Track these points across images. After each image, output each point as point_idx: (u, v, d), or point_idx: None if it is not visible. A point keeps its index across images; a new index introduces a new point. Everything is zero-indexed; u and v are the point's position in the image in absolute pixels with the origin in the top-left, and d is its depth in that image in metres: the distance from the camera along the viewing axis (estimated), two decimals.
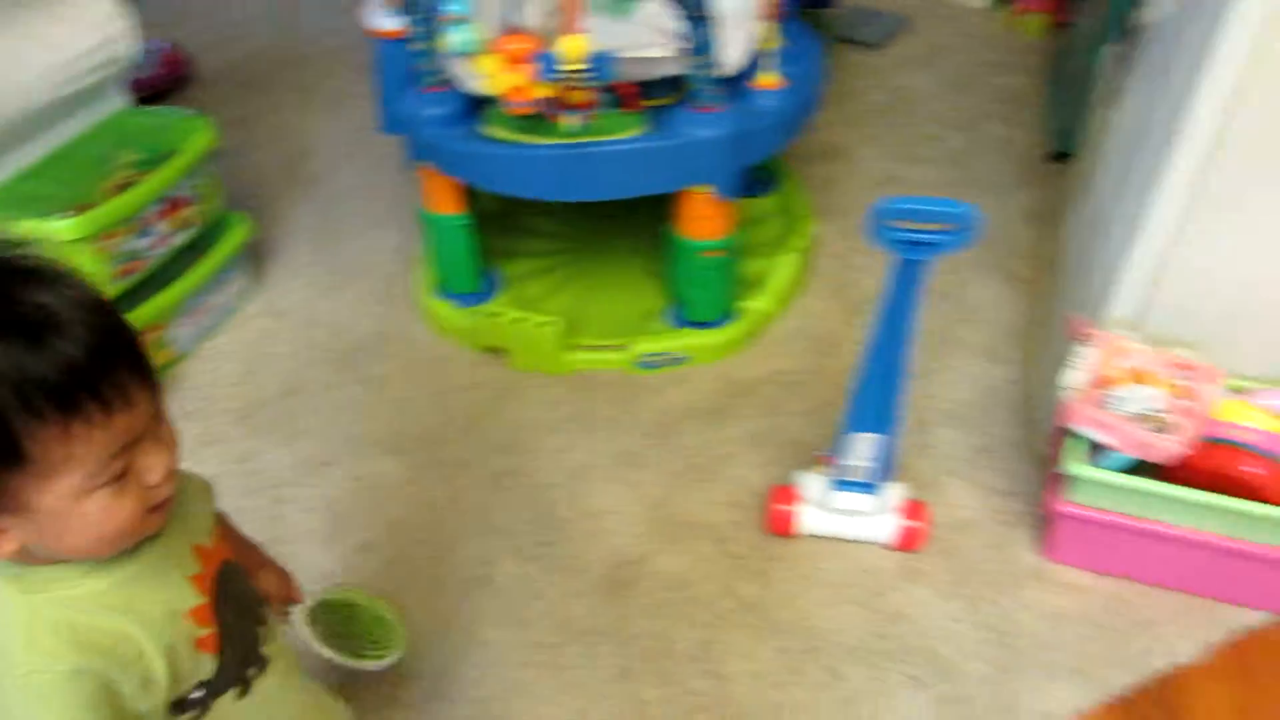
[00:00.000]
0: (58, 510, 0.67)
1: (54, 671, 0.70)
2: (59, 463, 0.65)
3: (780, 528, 1.45)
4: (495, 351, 1.77)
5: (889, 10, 2.82)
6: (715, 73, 1.44)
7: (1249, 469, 1.23)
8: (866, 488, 1.36)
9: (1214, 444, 1.24)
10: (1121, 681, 1.31)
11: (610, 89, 1.44)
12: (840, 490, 1.36)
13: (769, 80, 1.56)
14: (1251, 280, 1.27)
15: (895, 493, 1.41)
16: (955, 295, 1.89)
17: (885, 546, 1.45)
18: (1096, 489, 1.29)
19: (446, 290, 1.80)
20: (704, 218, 1.59)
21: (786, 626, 1.37)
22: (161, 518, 0.74)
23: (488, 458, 1.61)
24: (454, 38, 1.34)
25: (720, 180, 1.50)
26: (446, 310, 1.79)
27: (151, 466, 0.70)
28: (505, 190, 1.55)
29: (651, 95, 1.51)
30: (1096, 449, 1.28)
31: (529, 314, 1.71)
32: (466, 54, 1.37)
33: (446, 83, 1.51)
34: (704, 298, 1.70)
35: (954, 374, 1.73)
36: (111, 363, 0.66)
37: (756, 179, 2.01)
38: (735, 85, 1.55)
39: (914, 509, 1.41)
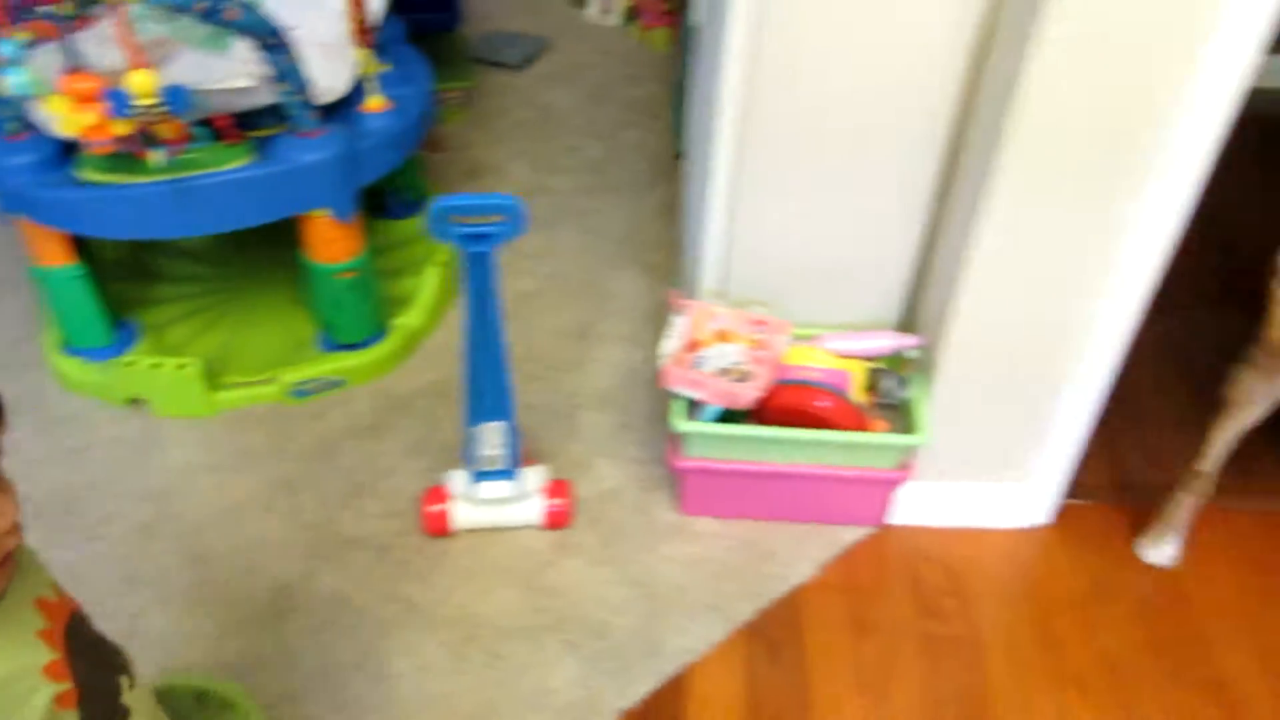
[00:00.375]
0: None
1: None
2: None
3: (436, 528, 1.50)
4: (137, 402, 1.71)
5: (529, 32, 2.96)
6: (311, 99, 1.48)
7: (820, 404, 1.42)
8: (505, 475, 1.44)
9: (790, 385, 1.42)
10: (751, 609, 1.47)
11: (207, 122, 1.45)
12: (481, 481, 1.44)
13: (375, 103, 1.62)
14: (793, 248, 1.48)
15: (538, 475, 1.50)
16: (597, 291, 2.03)
17: (538, 528, 1.54)
18: (702, 441, 1.45)
19: (75, 346, 1.72)
20: (330, 240, 1.62)
21: (448, 620, 1.43)
22: (8, 572, 0.70)
23: (134, 509, 1.56)
24: (8, 81, 1.30)
25: (334, 203, 1.54)
26: (76, 367, 1.71)
27: (1, 512, 0.67)
28: (106, 233, 1.51)
29: (258, 126, 1.53)
30: (695, 406, 1.43)
31: (166, 359, 1.67)
32: (30, 96, 1.33)
33: (29, 128, 1.46)
34: (347, 319, 1.73)
35: (598, 363, 1.87)
36: None
37: (400, 201, 2.06)
38: (343, 110, 1.60)
39: (557, 488, 1.51)
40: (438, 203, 1.12)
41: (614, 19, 3.08)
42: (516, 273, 2.06)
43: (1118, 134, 1.18)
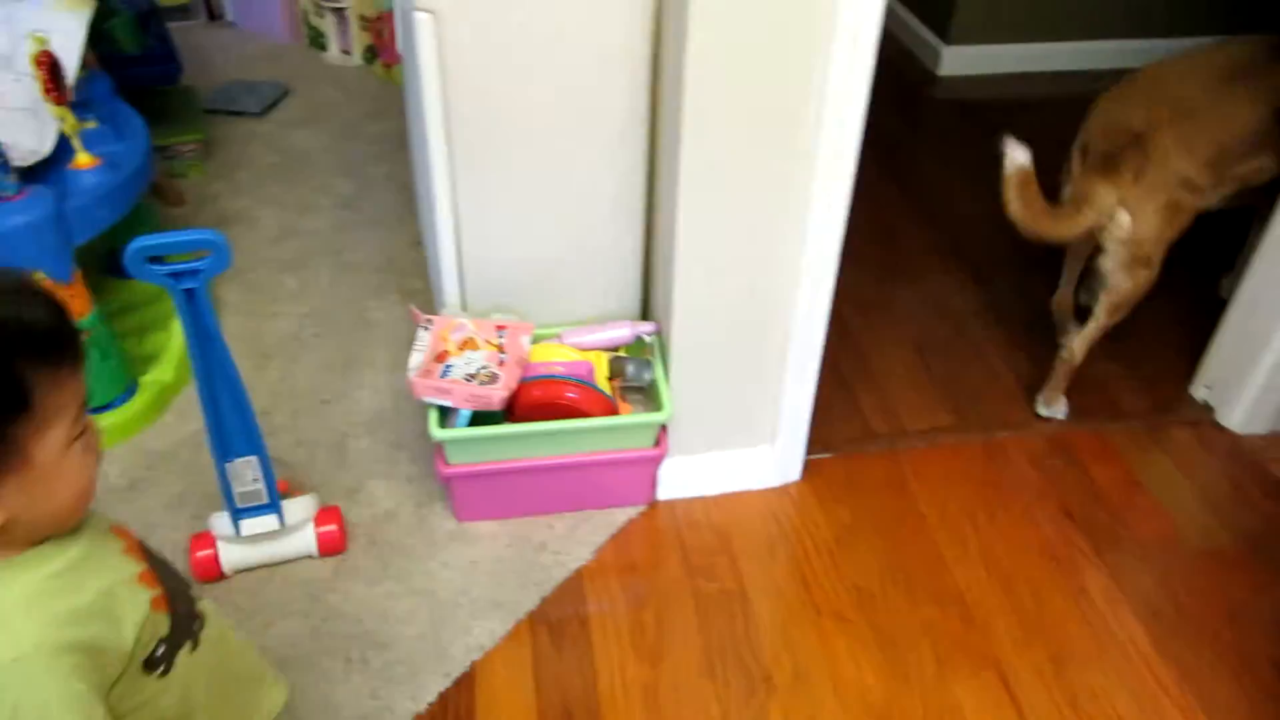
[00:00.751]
0: (48, 465, 0.75)
1: (42, 650, 0.74)
2: (51, 412, 0.74)
3: (206, 573, 1.48)
4: None
5: (268, 79, 2.94)
6: (10, 163, 1.44)
7: (570, 394, 1.51)
8: (267, 509, 1.44)
9: (538, 381, 1.51)
10: (533, 599, 1.53)
11: None
12: (243, 519, 1.44)
13: (84, 161, 1.59)
14: (521, 254, 1.58)
15: (305, 505, 1.51)
16: (359, 323, 2.05)
17: (314, 557, 1.55)
18: (463, 447, 1.50)
19: None
20: None
21: None
22: (88, 502, 0.81)
23: None
24: None
25: (49, 265, 1.50)
26: None
27: (95, 432, 0.80)
28: None
29: None
30: (450, 413, 1.49)
31: None
32: None
33: None
34: (89, 382, 1.67)
35: (365, 390, 1.89)
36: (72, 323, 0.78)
37: None
38: (51, 170, 1.56)
39: (327, 515, 1.53)
40: (133, 244, 1.12)
41: (354, 59, 3.11)
42: (275, 315, 2.06)
43: (774, 122, 1.33)
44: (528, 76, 1.42)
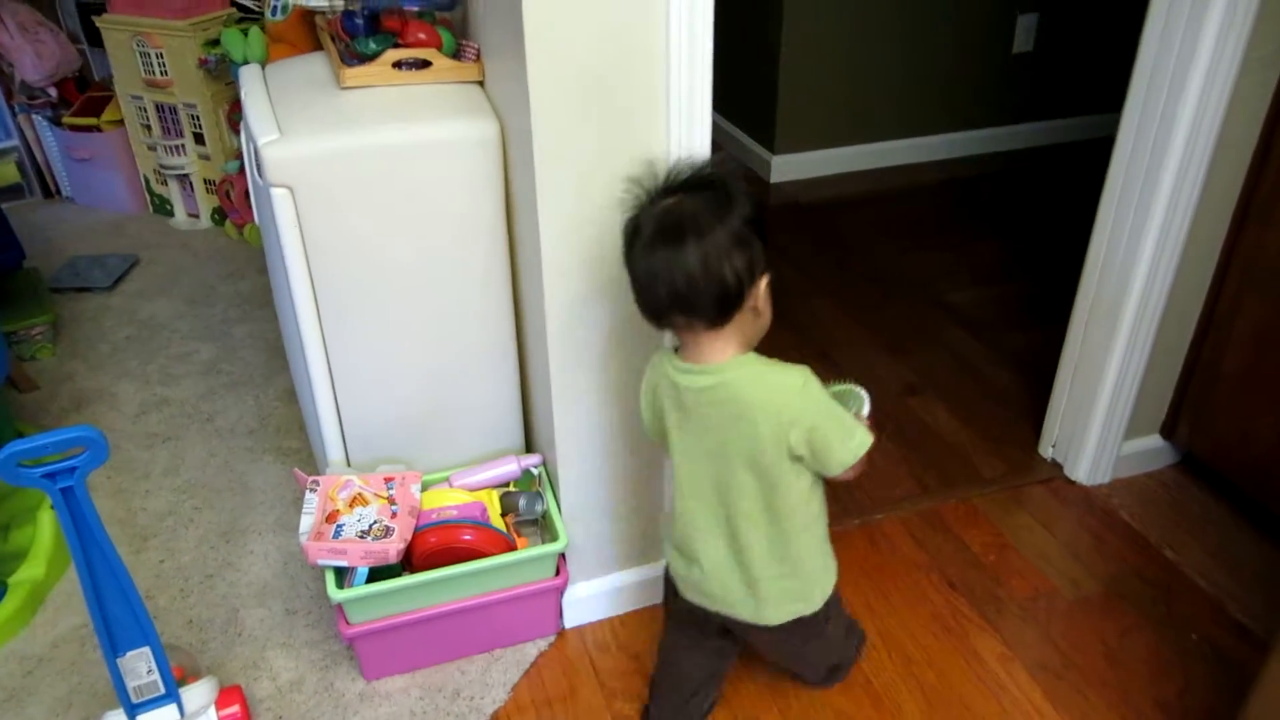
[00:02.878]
0: (761, 309, 1.18)
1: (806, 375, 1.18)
2: (761, 269, 1.15)
3: None
4: None
5: (115, 251, 2.90)
6: None
7: (465, 537, 1.52)
8: (165, 700, 1.39)
9: (434, 527, 1.52)
10: None
11: None
12: (142, 714, 1.38)
13: None
14: (399, 404, 1.61)
15: (204, 690, 1.46)
16: (237, 489, 2.01)
17: None
18: (364, 605, 1.49)
19: None
20: None
21: None
22: None
23: None
24: None
25: None
26: None
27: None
28: None
29: None
30: (345, 572, 1.48)
31: None
32: None
33: None
34: None
35: (252, 558, 1.84)
36: None
37: None
38: None
39: (228, 696, 1.48)
40: (3, 452, 1.10)
41: (203, 222, 3.10)
42: (148, 493, 2.00)
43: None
44: (388, 240, 1.48)
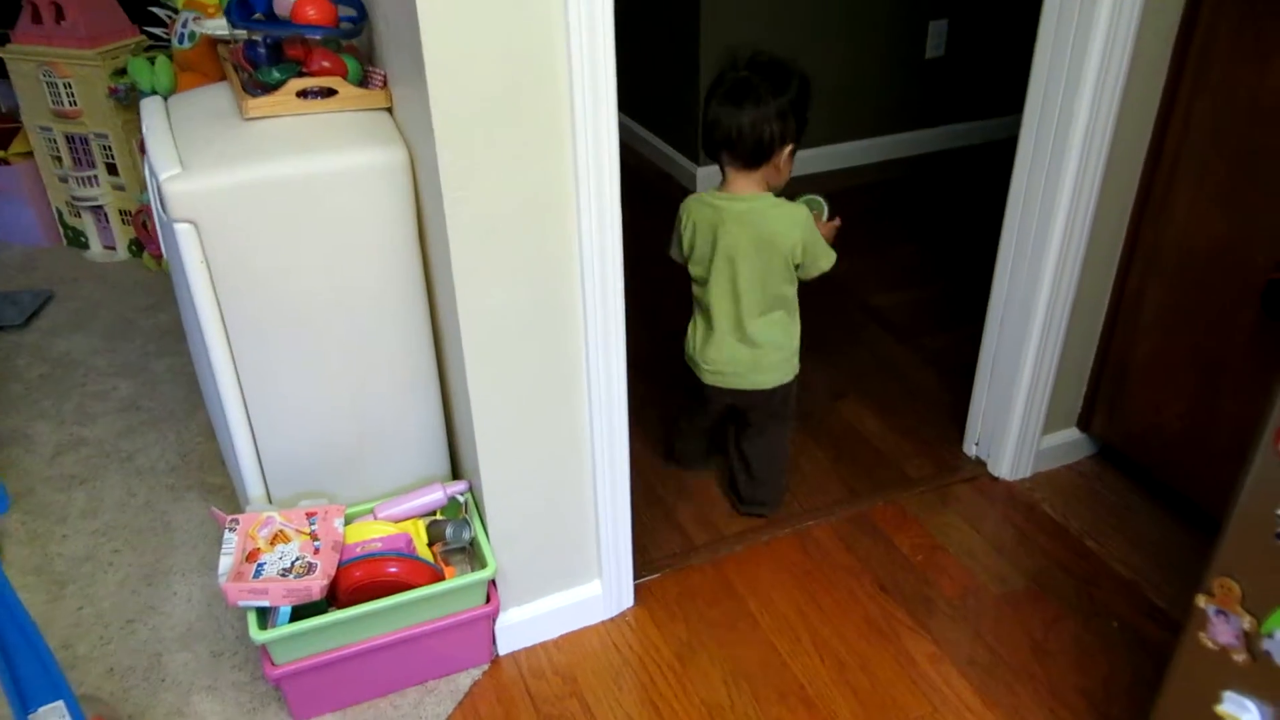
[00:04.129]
0: (781, 168, 1.70)
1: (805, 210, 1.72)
2: (790, 139, 1.69)
3: None
4: None
5: (27, 287, 2.82)
6: None
7: (391, 570, 1.51)
8: None
9: (359, 561, 1.50)
10: None
11: None
12: None
13: None
14: (319, 436, 1.59)
15: None
16: (158, 529, 1.96)
17: None
18: (289, 645, 1.46)
19: None
20: None
21: None
22: None
23: None
24: None
25: None
26: None
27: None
28: None
29: None
30: (269, 612, 1.45)
31: None
32: None
33: None
34: None
35: (175, 600, 1.80)
36: None
37: None
38: None
39: None
40: None
41: (120, 254, 3.03)
42: (64, 537, 1.95)
43: (543, 283, 1.42)
44: (299, 271, 1.46)
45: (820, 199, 1.85)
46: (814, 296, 2.53)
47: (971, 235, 3.04)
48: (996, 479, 2.10)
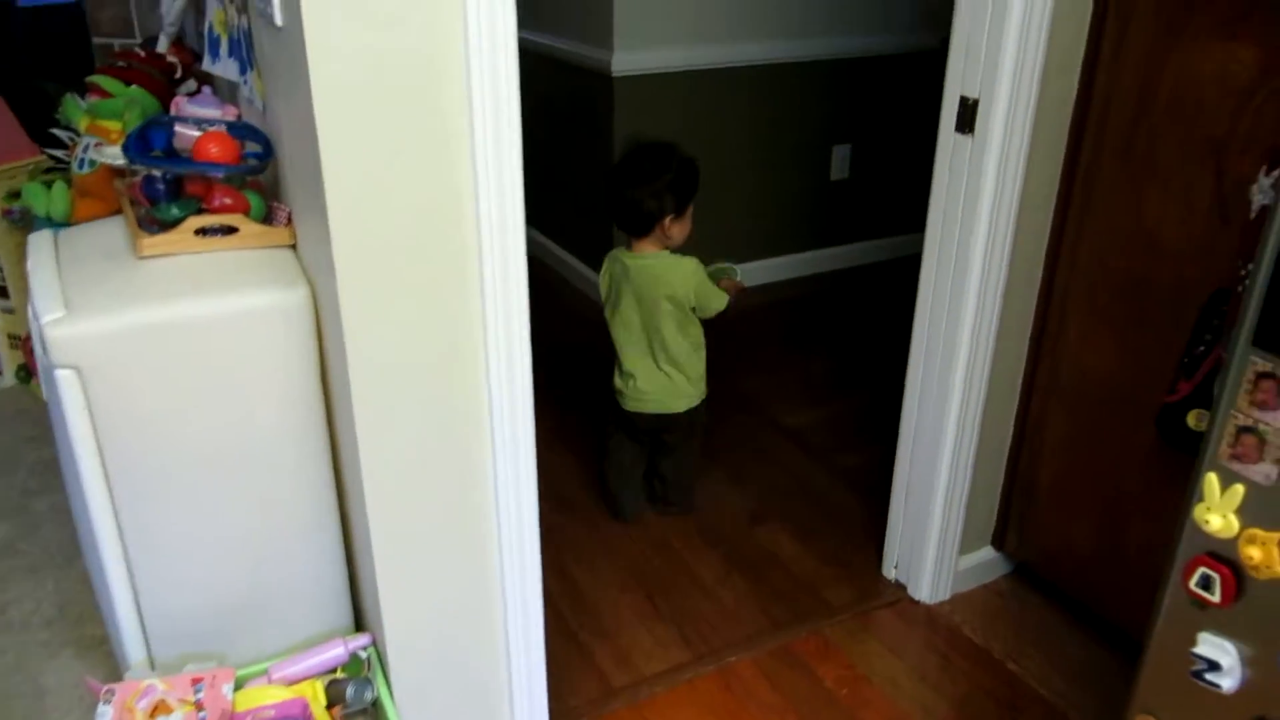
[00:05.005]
0: (670, 234, 2.06)
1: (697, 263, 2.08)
2: (668, 212, 2.02)
3: None
4: None
5: None
6: None
7: None
8: None
9: None
10: None
11: None
12: None
13: None
14: (208, 593, 1.50)
15: None
16: (28, 693, 1.81)
17: None
18: None
19: None
20: None
21: None
22: None
23: None
24: None
25: None
26: None
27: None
28: None
29: None
30: None
31: None
32: None
33: None
34: None
35: None
36: None
37: None
38: None
39: None
40: None
41: (6, 380, 2.88)
42: None
43: (449, 432, 1.38)
44: (189, 415, 1.39)
45: (732, 266, 2.23)
46: (729, 418, 2.52)
47: (882, 350, 3.11)
48: (917, 602, 2.09)
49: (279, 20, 1.22)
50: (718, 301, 2.12)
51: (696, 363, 2.18)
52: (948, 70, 1.70)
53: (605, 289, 2.19)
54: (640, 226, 2.05)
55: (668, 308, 2.08)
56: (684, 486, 2.34)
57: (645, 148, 2.08)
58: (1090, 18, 1.64)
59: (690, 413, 2.21)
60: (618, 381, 2.22)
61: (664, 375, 2.15)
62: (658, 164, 2.04)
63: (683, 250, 2.14)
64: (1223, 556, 1.05)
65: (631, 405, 2.20)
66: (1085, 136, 1.70)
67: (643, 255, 2.09)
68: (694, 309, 2.11)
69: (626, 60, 3.05)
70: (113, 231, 1.62)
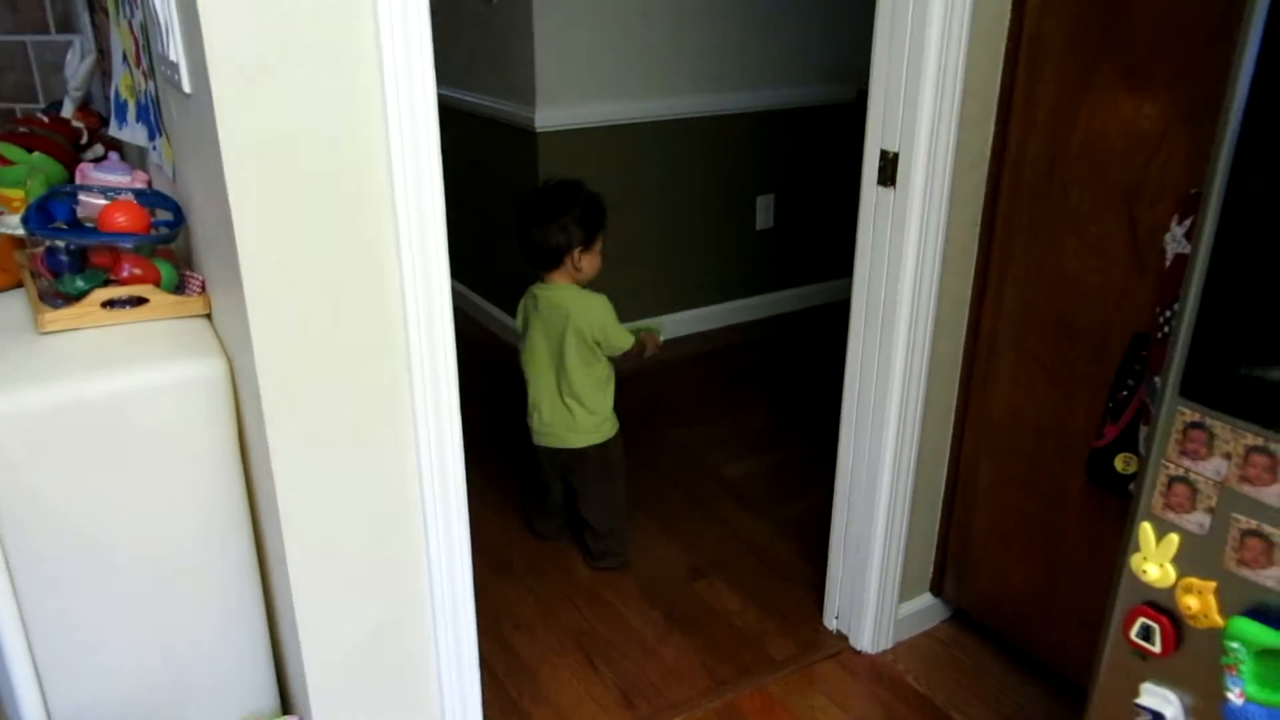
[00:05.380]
0: (579, 267, 2.12)
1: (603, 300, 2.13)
2: (574, 246, 2.10)
3: None
4: None
5: None
6: None
7: None
8: None
9: None
10: None
11: None
12: None
13: None
14: (121, 684, 1.40)
15: None
16: None
17: None
18: None
19: None
20: None
21: None
22: None
23: None
24: None
25: None
26: None
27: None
28: None
29: None
30: None
31: None
32: None
33: None
34: None
35: None
36: None
37: None
38: None
39: None
40: None
41: None
42: None
43: (379, 511, 1.33)
44: (98, 497, 1.32)
45: (655, 324, 2.32)
46: (665, 469, 2.50)
47: (816, 396, 3.13)
48: (859, 652, 2.07)
49: (187, 88, 1.18)
50: (622, 340, 2.16)
51: (600, 400, 2.19)
52: (867, 125, 1.73)
53: (520, 323, 2.25)
54: (549, 260, 2.12)
55: (573, 341, 2.12)
56: (612, 536, 2.31)
57: (552, 185, 2.15)
58: (1002, 69, 1.69)
59: (596, 452, 2.22)
60: (529, 415, 2.26)
61: (565, 409, 2.18)
62: (564, 199, 2.11)
63: (597, 287, 2.18)
64: (1161, 606, 1.05)
65: (537, 438, 2.25)
66: (1002, 185, 1.74)
67: (553, 287, 2.15)
68: (599, 344, 2.14)
69: (549, 116, 3.06)
70: (13, 305, 1.54)
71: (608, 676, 2.00)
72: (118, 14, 1.65)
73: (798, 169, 3.65)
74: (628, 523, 2.36)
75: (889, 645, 2.09)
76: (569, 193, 2.13)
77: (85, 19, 2.27)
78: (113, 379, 1.32)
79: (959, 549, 2.04)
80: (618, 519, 2.31)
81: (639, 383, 3.28)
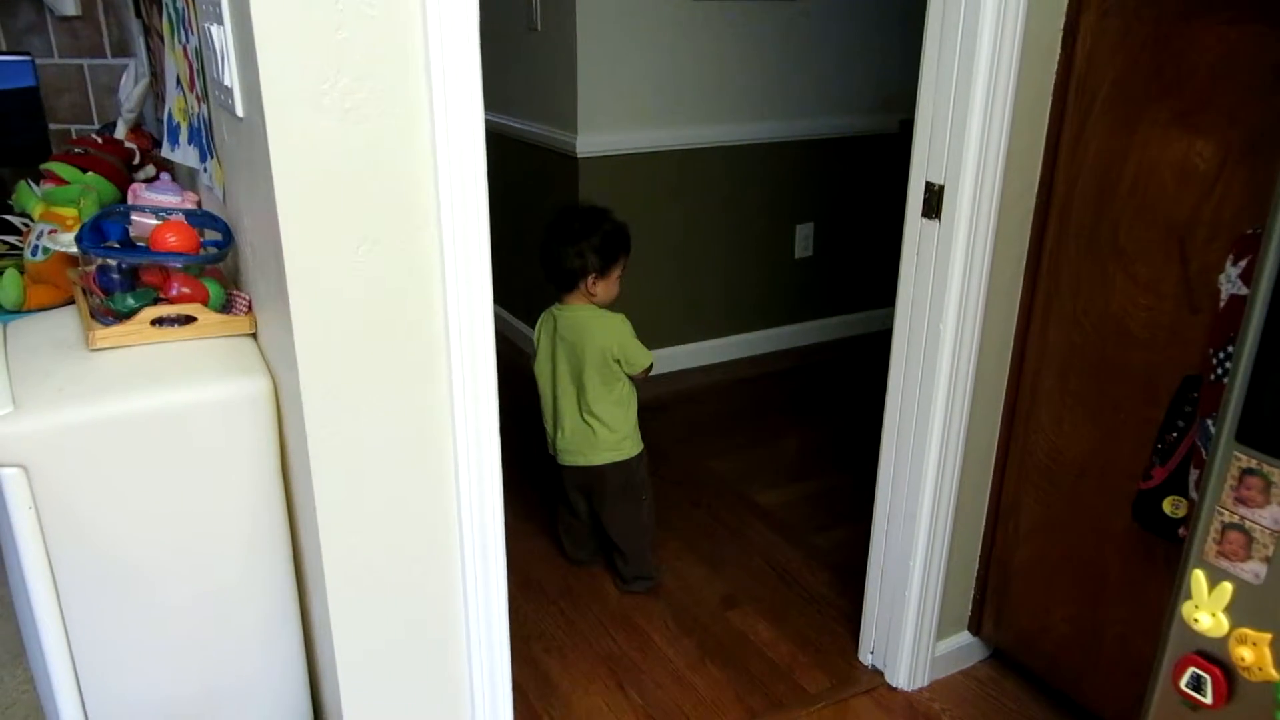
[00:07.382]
0: (594, 291, 2.15)
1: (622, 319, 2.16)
2: (591, 271, 2.12)
3: None
4: None
5: None
6: None
7: None
8: None
9: None
10: None
11: None
12: None
13: None
14: (159, 702, 1.40)
15: None
16: None
17: None
18: None
19: None
20: None
21: None
22: None
23: None
24: None
25: None
26: None
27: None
28: None
29: None
30: None
31: None
32: None
33: None
34: None
35: None
36: None
37: None
38: None
39: None
40: None
41: None
42: None
43: (416, 539, 1.34)
44: (143, 513, 1.34)
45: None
46: (701, 497, 2.49)
47: (854, 426, 3.10)
48: (895, 689, 2.04)
49: (240, 111, 1.20)
50: (642, 358, 2.18)
51: (620, 418, 2.21)
52: (913, 156, 1.72)
53: (538, 341, 2.27)
54: (565, 282, 2.16)
55: (593, 360, 2.15)
56: (638, 559, 2.30)
57: (578, 209, 2.20)
58: (1050, 105, 1.67)
59: (618, 469, 2.23)
60: (551, 435, 2.28)
61: (587, 427, 2.20)
62: (586, 225, 2.14)
63: (631, 312, 2.22)
64: (1213, 656, 1.02)
65: (561, 458, 2.27)
66: (1049, 222, 1.72)
67: (571, 308, 2.19)
68: (619, 362, 2.16)
69: (591, 141, 3.08)
70: (65, 322, 1.57)
71: (638, 703, 1.98)
72: (173, 39, 1.68)
73: (837, 198, 3.65)
74: (653, 544, 2.35)
75: (925, 683, 2.05)
76: (593, 219, 2.15)
77: (140, 43, 2.32)
78: (161, 396, 1.34)
79: (998, 587, 2.00)
80: (643, 539, 2.31)
81: (676, 409, 3.28)
